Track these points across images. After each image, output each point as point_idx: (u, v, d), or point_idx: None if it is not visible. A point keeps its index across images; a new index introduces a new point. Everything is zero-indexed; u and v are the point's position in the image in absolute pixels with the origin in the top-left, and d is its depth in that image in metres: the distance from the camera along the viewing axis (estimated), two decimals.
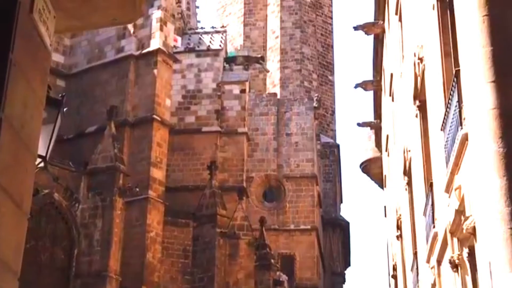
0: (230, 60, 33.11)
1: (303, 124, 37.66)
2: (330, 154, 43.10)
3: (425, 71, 9.46)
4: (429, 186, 9.45)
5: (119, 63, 26.37)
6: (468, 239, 6.82)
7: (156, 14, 26.25)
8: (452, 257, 7.60)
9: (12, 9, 3.21)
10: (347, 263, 45.32)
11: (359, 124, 22.21)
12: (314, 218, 36.13)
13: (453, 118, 6.82)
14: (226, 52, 33.97)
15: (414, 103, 10.56)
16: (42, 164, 4.64)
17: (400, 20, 13.54)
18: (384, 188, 22.91)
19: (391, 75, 15.97)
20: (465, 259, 7.14)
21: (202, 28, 35.69)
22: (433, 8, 8.21)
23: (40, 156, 4.48)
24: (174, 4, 29.22)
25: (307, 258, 35.49)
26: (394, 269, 18.93)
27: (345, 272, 44.73)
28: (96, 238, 21.40)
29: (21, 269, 3.44)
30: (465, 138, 6.22)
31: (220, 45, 32.54)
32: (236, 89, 31.86)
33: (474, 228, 6.13)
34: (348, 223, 44.29)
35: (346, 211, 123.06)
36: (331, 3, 50.13)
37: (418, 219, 11.42)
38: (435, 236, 8.94)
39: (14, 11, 3.21)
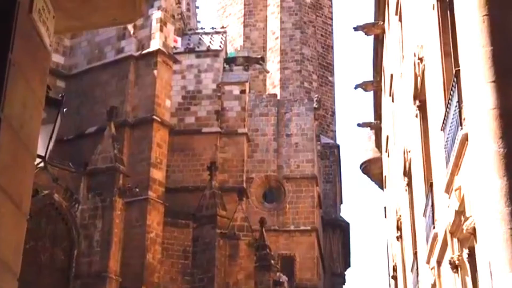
0: (230, 61, 33.12)
1: (303, 125, 37.66)
2: (330, 155, 43.09)
3: (425, 71, 9.45)
4: (429, 186, 9.44)
5: (119, 64, 26.37)
6: (468, 239, 6.81)
7: (156, 15, 26.26)
8: (452, 257, 7.60)
9: (11, 9, 3.20)
10: (347, 264, 45.31)
11: (359, 125, 22.20)
12: (314, 219, 36.12)
13: (453, 118, 6.82)
14: (226, 53, 33.97)
15: (414, 103, 10.56)
16: (41, 164, 4.64)
17: (400, 20, 13.53)
18: (384, 189, 22.90)
19: (391, 75, 15.97)
20: (465, 259, 7.14)
21: (202, 28, 35.69)
22: (433, 8, 8.21)
23: (39, 156, 4.47)
24: (174, 4, 29.22)
25: (307, 259, 35.48)
26: (394, 269, 18.92)
27: (345, 273, 44.75)
28: (96, 238, 21.39)
29: (21, 269, 3.43)
30: (465, 138, 6.21)
31: (220, 46, 32.54)
32: (236, 90, 31.86)
33: (474, 229, 6.13)
34: (348, 224, 44.29)
35: (346, 212, 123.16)
36: (331, 4, 50.15)
37: (418, 220, 11.41)
38: (435, 236, 8.93)
39: (13, 11, 3.21)
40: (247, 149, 32.32)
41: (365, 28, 18.08)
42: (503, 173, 5.16)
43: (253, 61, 35.05)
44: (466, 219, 6.34)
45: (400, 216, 15.68)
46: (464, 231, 6.51)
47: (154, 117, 24.80)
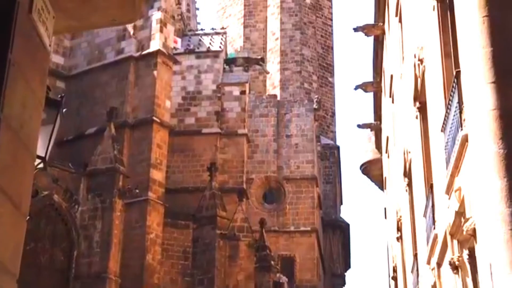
0: (230, 62, 33.13)
1: (303, 125, 37.66)
2: (330, 156, 43.09)
3: (425, 72, 9.45)
4: (429, 187, 9.43)
5: (119, 65, 26.37)
6: (468, 240, 6.80)
7: (156, 16, 26.26)
8: (452, 258, 7.59)
9: (11, 9, 3.20)
10: (347, 265, 45.30)
11: (359, 126, 22.20)
12: (314, 219, 36.11)
13: (453, 119, 6.81)
14: (226, 54, 33.98)
15: (414, 105, 10.55)
16: (41, 165, 4.63)
17: (400, 21, 13.53)
18: (384, 190, 22.89)
19: (391, 76, 15.97)
20: (466, 260, 7.13)
21: (202, 29, 35.70)
22: (433, 9, 8.21)
23: (39, 157, 4.46)
24: (174, 5, 29.23)
25: (307, 259, 35.47)
26: (394, 270, 18.91)
27: (345, 273, 44.73)
28: (95, 239, 21.39)
29: (21, 270, 3.42)
30: (465, 139, 6.20)
31: (220, 47, 32.55)
32: (236, 91, 31.86)
33: (474, 230, 6.12)
34: (348, 225, 44.28)
35: (346, 213, 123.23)
36: (331, 5, 50.16)
37: (418, 221, 11.41)
38: (435, 237, 8.93)
39: (13, 11, 3.20)
40: (247, 150, 32.32)
41: (365, 29, 18.08)
42: (504, 174, 5.16)
43: (253, 62, 35.07)
44: (466, 220, 6.33)
45: (400, 217, 15.67)
46: (465, 232, 6.50)
47: (154, 118, 24.80)
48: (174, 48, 28.68)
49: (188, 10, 39.17)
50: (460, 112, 6.45)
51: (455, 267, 7.55)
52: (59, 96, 4.87)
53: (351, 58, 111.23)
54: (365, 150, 23.31)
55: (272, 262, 27.72)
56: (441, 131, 7.63)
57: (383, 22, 17.55)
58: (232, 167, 30.66)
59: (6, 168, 3.20)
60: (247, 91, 32.82)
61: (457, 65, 6.96)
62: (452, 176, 7.02)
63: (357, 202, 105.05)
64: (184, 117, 30.78)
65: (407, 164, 12.82)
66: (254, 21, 47.66)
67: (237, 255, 25.96)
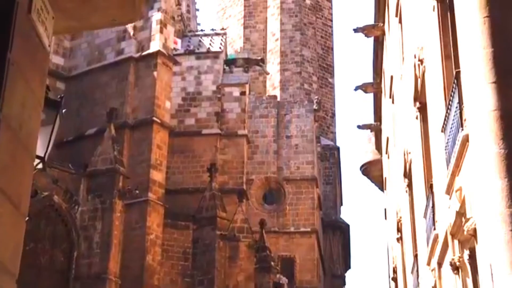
0: (230, 63, 33.13)
1: (303, 126, 37.65)
2: (330, 157, 43.09)
3: (425, 72, 9.44)
4: (430, 188, 9.42)
5: (119, 65, 26.37)
6: (469, 241, 6.79)
7: (156, 16, 26.26)
8: (453, 259, 7.58)
9: (10, 9, 3.19)
10: (347, 266, 45.29)
11: (359, 127, 22.19)
12: (314, 220, 36.10)
13: (453, 120, 6.80)
14: (226, 55, 33.99)
15: (415, 105, 10.54)
16: (40, 166, 4.62)
17: (400, 22, 13.53)
18: (384, 191, 22.88)
19: (391, 77, 15.96)
20: (466, 261, 7.12)
21: (202, 30, 35.70)
22: (433, 10, 8.20)
23: (38, 157, 4.45)
24: (174, 6, 29.23)
25: (307, 260, 35.45)
26: (395, 271, 18.90)
27: (345, 274, 44.74)
28: (95, 240, 21.38)
29: (21, 271, 3.42)
30: (465, 139, 6.20)
31: (220, 48, 32.55)
32: (236, 91, 31.87)
33: (475, 230, 6.11)
34: (348, 226, 44.27)
35: (346, 214, 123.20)
36: (331, 6, 50.17)
37: (419, 221, 11.40)
38: (436, 238, 8.92)
39: (12, 11, 3.19)
40: (247, 151, 32.32)
41: (365, 30, 18.07)
42: (504, 174, 5.15)
43: (253, 63, 35.08)
44: (467, 220, 6.32)
45: (401, 217, 15.66)
46: (465, 233, 6.49)
47: (154, 118, 24.79)
48: (174, 49, 28.68)
49: (188, 11, 39.18)
50: (461, 113, 6.44)
51: (455, 268, 7.54)
52: (59, 96, 4.87)
53: (351, 59, 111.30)
54: (365, 151, 23.31)
55: (272, 263, 27.72)
56: (442, 131, 7.63)
57: (383, 23, 17.54)
58: (232, 168, 30.65)
59: (5, 168, 3.20)
60: (247, 92, 32.82)
61: (457, 65, 6.95)
62: (453, 176, 7.01)
63: (357, 203, 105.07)
64: (184, 118, 30.77)
65: (407, 165, 12.81)
66: (254, 22, 47.67)
67: (237, 256, 25.95)
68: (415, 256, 12.48)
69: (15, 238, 3.34)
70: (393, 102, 16.27)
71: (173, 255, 25.02)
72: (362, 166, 23.05)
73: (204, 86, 31.40)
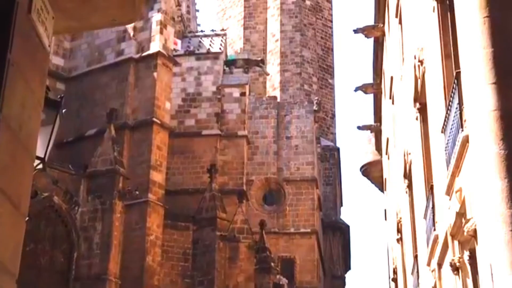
0: (230, 63, 33.13)
1: (303, 127, 37.66)
2: (330, 157, 43.08)
3: (425, 73, 9.44)
4: (430, 188, 9.42)
5: (119, 66, 26.37)
6: (469, 241, 6.79)
7: (156, 17, 26.26)
8: (453, 260, 7.57)
9: (10, 9, 3.19)
10: (347, 267, 45.28)
11: (359, 127, 22.19)
12: (314, 221, 36.09)
13: (453, 120, 6.80)
14: (226, 55, 33.99)
15: (415, 106, 10.54)
16: (40, 166, 4.61)
17: (400, 22, 13.52)
18: (384, 191, 22.87)
19: (391, 78, 15.96)
20: (466, 261, 7.11)
21: (202, 31, 35.70)
22: (434, 10, 8.20)
23: (38, 158, 4.45)
24: (174, 7, 29.23)
25: (307, 261, 35.44)
26: (395, 272, 18.89)
27: (345, 275, 44.72)
28: (95, 241, 21.37)
29: (21, 272, 3.41)
30: (465, 140, 6.19)
31: (220, 48, 32.55)
32: (236, 92, 31.87)
33: (475, 231, 6.10)
34: (348, 227, 44.27)
35: (346, 215, 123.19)
36: (331, 6, 50.18)
37: (419, 222, 11.39)
38: (436, 239, 8.91)
39: (12, 11, 3.19)
40: (247, 152, 32.31)
41: (365, 31, 18.07)
42: (504, 175, 5.14)
43: (253, 64, 35.07)
44: (467, 221, 6.32)
45: (401, 218, 15.66)
46: (465, 233, 6.48)
47: (154, 119, 24.79)
48: (174, 49, 28.68)
49: (188, 12, 39.18)
50: (461, 113, 6.43)
51: (455, 268, 7.54)
52: (59, 96, 4.86)
53: (351, 60, 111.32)
54: (365, 152, 23.30)
55: (272, 264, 27.71)
56: (442, 132, 7.62)
57: (383, 24, 17.54)
58: (232, 168, 30.65)
59: (5, 168, 3.20)
60: (247, 93, 32.81)
61: (457, 66, 6.95)
62: (453, 177, 7.01)
63: (357, 203, 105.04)
64: (184, 118, 30.77)
65: (407, 166, 12.81)
66: (254, 23, 47.68)
67: (237, 257, 25.94)
68: (415, 257, 12.47)
69: (15, 238, 3.34)
70: (393, 103, 16.27)
71: (173, 256, 25.02)
72: (362, 167, 23.05)
73: (204, 87, 31.40)
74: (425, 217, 10.04)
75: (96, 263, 21.08)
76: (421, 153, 10.31)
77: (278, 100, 40.20)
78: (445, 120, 7.35)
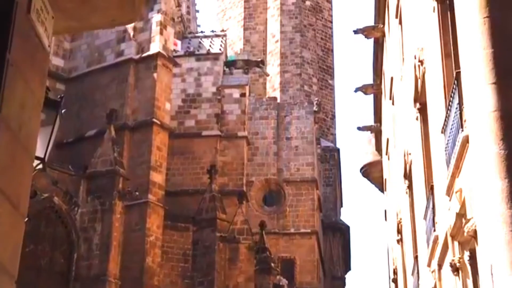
0: (230, 64, 33.12)
1: (303, 128, 37.66)
2: (330, 158, 43.08)
3: (425, 73, 9.43)
4: (430, 189, 9.41)
5: (119, 67, 26.36)
6: (469, 242, 6.78)
7: (156, 18, 26.26)
8: (453, 260, 7.57)
9: (9, 9, 3.18)
10: (347, 267, 45.27)
11: (359, 128, 22.18)
12: (314, 222, 36.09)
13: (453, 121, 6.80)
14: (226, 56, 33.98)
15: (415, 106, 10.54)
16: (40, 166, 4.61)
17: (400, 23, 13.52)
18: (385, 192, 22.86)
19: (391, 78, 15.96)
20: (466, 262, 7.11)
21: (202, 32, 35.72)
22: (434, 11, 8.19)
23: (38, 158, 4.44)
24: (174, 8, 29.23)
25: (307, 262, 35.43)
26: (395, 273, 18.88)
27: (345, 276, 44.72)
28: (95, 242, 21.36)
29: (20, 273, 3.41)
30: (466, 140, 6.19)
31: (220, 49, 32.55)
32: (236, 93, 31.86)
33: (475, 231, 6.10)
34: (348, 227, 44.26)
35: (346, 215, 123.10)
36: (331, 7, 50.18)
37: (419, 223, 11.38)
38: (436, 239, 8.91)
39: (11, 11, 3.19)
40: (247, 152, 32.30)
41: (365, 31, 18.07)
42: (504, 175, 5.14)
43: (253, 64, 35.07)
44: (467, 221, 6.31)
45: (401, 219, 15.65)
46: (465, 234, 6.48)
47: (154, 120, 24.78)
48: (174, 50, 28.68)
49: (188, 13, 39.18)
50: (461, 113, 6.43)
51: (455, 269, 7.53)
52: (59, 97, 4.86)
53: (351, 61, 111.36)
54: (365, 152, 23.29)
55: (272, 265, 27.70)
56: (442, 132, 7.62)
57: (383, 24, 17.54)
58: (232, 169, 30.64)
59: (4, 168, 3.19)
60: (247, 94, 32.81)
61: (457, 66, 6.94)
62: (453, 177, 7.00)
63: (357, 204, 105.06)
64: (184, 119, 30.76)
65: (407, 166, 12.81)
66: (254, 24, 47.68)
67: (237, 258, 25.93)
68: (415, 258, 12.47)
69: (14, 238, 3.33)
70: (393, 103, 16.27)
71: (173, 256, 25.01)
72: (362, 167, 23.04)
73: (204, 87, 31.40)
74: (425, 218, 10.03)
75: (96, 264, 21.07)
76: (421, 154, 10.30)
77: (278, 101, 40.21)
78: (445, 120, 7.35)
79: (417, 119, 10.47)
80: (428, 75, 9.23)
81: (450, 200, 7.33)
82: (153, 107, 25.07)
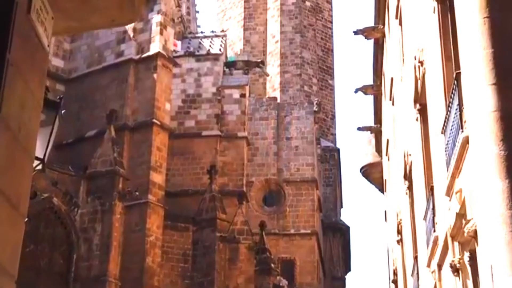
0: (230, 65, 33.13)
1: (303, 128, 37.66)
2: (330, 158, 43.07)
3: (425, 74, 9.43)
4: (430, 189, 9.41)
5: (118, 67, 26.36)
6: (469, 242, 6.78)
7: (156, 18, 26.26)
8: (453, 261, 7.56)
9: (9, 9, 3.18)
10: (347, 268, 45.25)
11: (359, 129, 22.18)
12: (314, 222, 36.08)
13: (453, 121, 6.79)
14: (226, 57, 33.98)
15: (415, 107, 10.53)
16: (40, 167, 4.61)
17: (400, 24, 13.52)
18: (385, 193, 22.86)
19: (391, 79, 15.96)
20: (466, 263, 7.10)
21: (202, 32, 35.71)
22: (434, 11, 8.19)
23: (38, 159, 4.44)
24: (174, 8, 29.23)
25: (307, 262, 35.42)
26: (395, 273, 18.88)
27: (346, 276, 44.69)
28: (95, 242, 21.35)
29: (20, 273, 3.40)
30: (466, 141, 6.19)
31: (220, 50, 32.56)
32: (236, 94, 31.86)
33: (475, 232, 6.09)
34: (348, 228, 44.25)
35: (346, 216, 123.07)
36: (331, 8, 50.19)
37: (419, 223, 11.38)
38: (436, 240, 8.90)
39: (11, 11, 3.18)
40: (247, 153, 32.30)
41: (365, 32, 18.07)
42: (504, 175, 5.14)
43: (253, 65, 35.06)
44: (467, 222, 6.31)
45: (401, 219, 15.65)
46: (465, 234, 6.47)
47: (154, 120, 24.78)
48: (174, 50, 28.68)
49: (188, 13, 39.17)
50: (461, 114, 6.43)
51: (455, 270, 7.53)
52: (58, 97, 4.86)
53: (351, 61, 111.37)
54: (365, 153, 23.29)
55: (272, 265, 27.70)
56: (442, 133, 7.62)
57: (383, 25, 17.54)
58: (232, 169, 30.64)
59: (4, 169, 3.19)
60: (247, 94, 32.81)
61: (457, 66, 6.94)
62: (453, 178, 7.00)
63: (357, 205, 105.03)
64: (184, 119, 30.76)
65: (407, 167, 12.80)
66: (254, 24, 47.69)
67: (237, 258, 25.93)
68: (415, 258, 12.46)
69: (14, 239, 3.33)
70: (393, 104, 16.27)
71: (173, 257, 25.00)
72: (362, 168, 23.03)
73: (204, 88, 31.40)
74: (425, 218, 10.03)
75: (95, 265, 21.06)
76: (421, 154, 10.30)
77: (278, 101, 40.22)
78: (445, 121, 7.34)
79: (417, 119, 10.47)
80: (428, 75, 9.23)
81: (450, 201, 7.33)
82: (153, 107, 25.07)
